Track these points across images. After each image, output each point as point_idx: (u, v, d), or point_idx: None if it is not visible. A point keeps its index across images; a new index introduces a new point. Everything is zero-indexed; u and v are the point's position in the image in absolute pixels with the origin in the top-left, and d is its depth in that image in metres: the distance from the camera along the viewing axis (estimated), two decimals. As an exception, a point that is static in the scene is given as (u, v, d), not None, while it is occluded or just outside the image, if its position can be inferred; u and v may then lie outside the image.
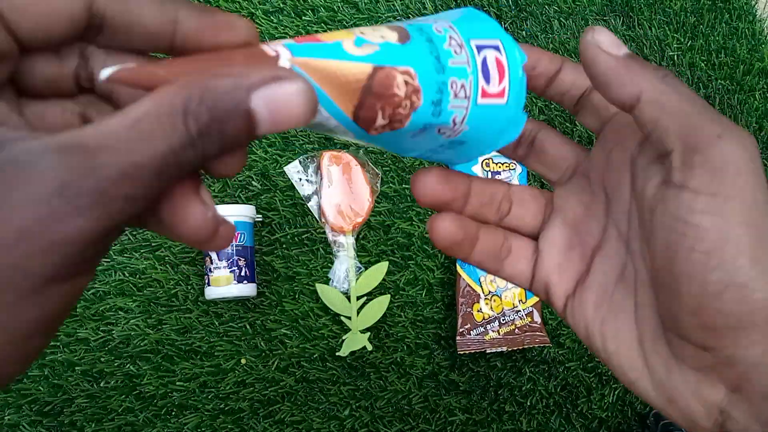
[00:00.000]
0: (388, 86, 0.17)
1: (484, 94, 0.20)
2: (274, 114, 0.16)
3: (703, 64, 0.80)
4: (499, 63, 0.20)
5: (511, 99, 0.21)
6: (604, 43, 0.21)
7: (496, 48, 0.20)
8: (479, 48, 0.20)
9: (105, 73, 0.16)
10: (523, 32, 0.79)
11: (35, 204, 0.13)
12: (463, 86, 0.19)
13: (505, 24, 0.79)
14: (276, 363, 0.69)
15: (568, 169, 0.25)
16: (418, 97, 0.18)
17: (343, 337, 0.69)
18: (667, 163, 0.20)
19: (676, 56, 0.80)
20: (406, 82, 0.17)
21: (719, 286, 0.19)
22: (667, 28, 0.81)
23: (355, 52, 0.17)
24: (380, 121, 0.18)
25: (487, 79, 0.20)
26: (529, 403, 0.70)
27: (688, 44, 0.81)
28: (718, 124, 0.20)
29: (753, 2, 0.84)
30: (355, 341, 0.69)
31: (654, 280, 0.22)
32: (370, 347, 0.69)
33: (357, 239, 0.72)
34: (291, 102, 0.16)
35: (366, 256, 0.72)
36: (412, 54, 0.18)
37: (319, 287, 0.70)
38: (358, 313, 0.70)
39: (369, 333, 0.69)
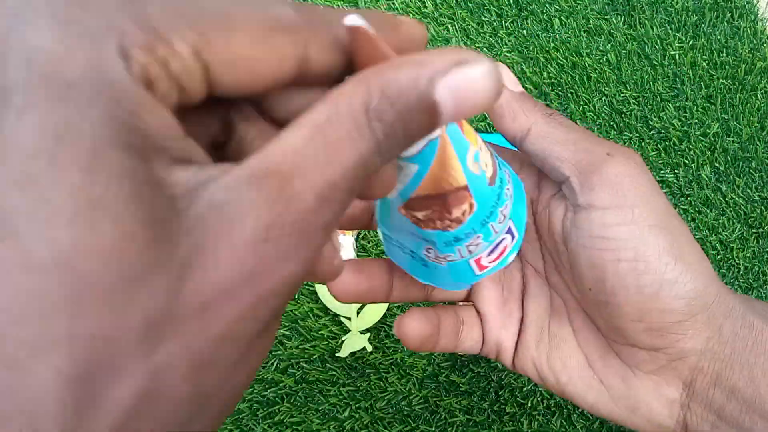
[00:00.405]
0: (455, 204, 0.18)
1: (479, 264, 0.22)
2: (458, 102, 0.13)
3: (704, 63, 0.80)
4: (503, 249, 0.22)
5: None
6: (505, 78, 0.22)
7: (510, 232, 0.22)
8: (507, 231, 0.22)
9: (353, 19, 0.13)
10: (524, 31, 0.79)
11: (241, 257, 0.11)
12: (477, 245, 0.21)
13: (506, 23, 0.79)
14: (275, 364, 0.68)
15: None
16: (457, 226, 0.19)
17: (343, 338, 0.69)
18: (566, 190, 0.22)
19: (677, 55, 0.80)
20: (464, 213, 0.19)
21: (654, 287, 0.20)
22: (668, 27, 0.81)
23: (468, 164, 0.18)
24: (422, 215, 0.19)
25: (489, 254, 0.22)
26: (530, 404, 0.70)
27: (690, 43, 0.80)
28: (605, 146, 0.21)
29: (755, 1, 0.83)
30: (354, 342, 0.68)
31: (586, 303, 0.23)
32: (370, 348, 0.68)
33: (357, 239, 0.72)
34: (477, 86, 0.14)
35: (366, 256, 0.71)
36: (485, 199, 0.20)
37: (319, 288, 0.70)
38: (357, 313, 0.69)
39: (369, 334, 0.69)
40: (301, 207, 0.12)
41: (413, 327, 0.24)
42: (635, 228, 0.20)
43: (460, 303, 0.27)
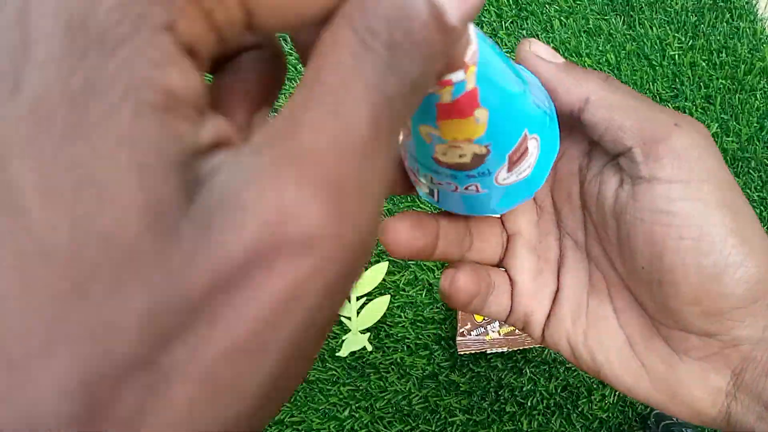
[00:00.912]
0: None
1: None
2: None
3: (704, 64, 0.80)
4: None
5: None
6: (542, 52, 0.21)
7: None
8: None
9: None
10: (524, 31, 0.79)
11: (252, 250, 0.10)
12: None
13: (505, 23, 0.79)
14: (275, 363, 0.69)
15: None
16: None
17: (343, 338, 0.69)
18: (626, 162, 0.20)
19: (677, 55, 0.80)
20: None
21: (716, 270, 0.19)
22: (668, 28, 0.81)
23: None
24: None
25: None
26: (529, 404, 0.70)
27: (689, 43, 0.81)
28: (670, 114, 0.20)
29: (754, 2, 0.84)
30: (355, 341, 0.68)
31: (634, 281, 0.22)
32: (370, 347, 0.68)
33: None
34: None
35: (366, 256, 0.72)
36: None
37: (319, 287, 0.70)
38: (358, 313, 0.70)
39: (369, 333, 0.69)
40: (316, 161, 0.10)
41: (464, 282, 0.22)
42: (701, 205, 0.19)
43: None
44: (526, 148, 0.19)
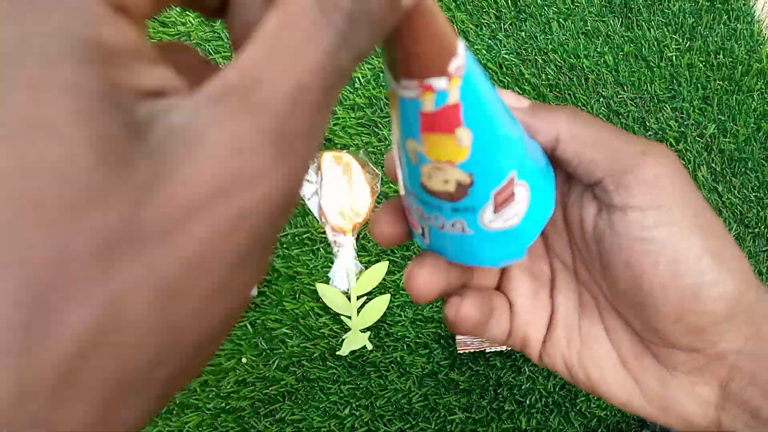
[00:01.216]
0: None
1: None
2: None
3: (701, 65, 0.80)
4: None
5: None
6: (507, 99, 0.21)
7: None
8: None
9: None
10: (523, 33, 0.80)
11: (209, 172, 0.11)
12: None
13: (504, 25, 0.80)
14: (276, 362, 0.69)
15: None
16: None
17: (344, 337, 0.69)
18: (600, 191, 0.21)
19: (674, 57, 0.80)
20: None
21: (694, 289, 0.20)
22: (665, 29, 0.81)
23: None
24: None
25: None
26: (528, 402, 0.70)
27: (687, 45, 0.81)
28: (637, 143, 0.20)
29: (751, 3, 0.84)
30: (355, 340, 0.69)
31: (620, 303, 0.22)
32: (370, 346, 0.69)
33: (357, 239, 0.73)
34: None
35: (366, 256, 0.72)
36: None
37: (320, 287, 0.70)
38: (358, 312, 0.70)
39: (369, 332, 0.70)
40: (273, 113, 0.11)
41: (468, 310, 0.23)
42: (675, 229, 0.20)
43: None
44: (513, 193, 0.19)
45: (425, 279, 0.22)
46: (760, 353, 0.20)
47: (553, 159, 0.22)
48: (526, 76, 0.78)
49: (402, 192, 0.21)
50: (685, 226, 0.20)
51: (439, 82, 0.16)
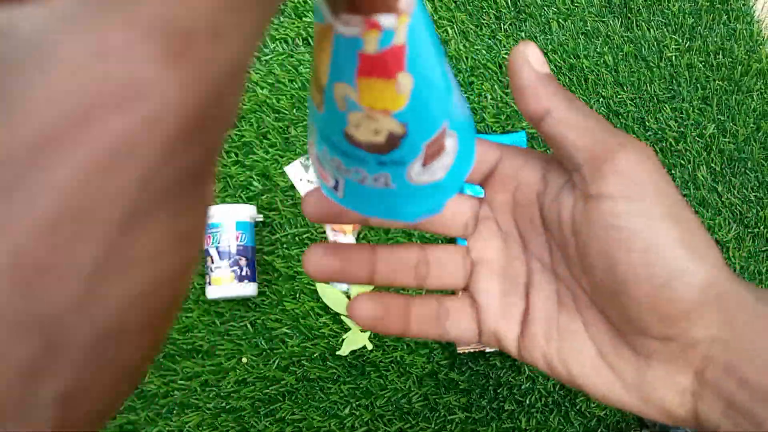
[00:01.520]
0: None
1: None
2: None
3: (701, 65, 0.81)
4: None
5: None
6: (531, 57, 0.22)
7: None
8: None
9: None
10: (522, 33, 0.80)
11: (67, 95, 0.08)
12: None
13: (504, 26, 0.80)
14: (277, 362, 0.69)
15: (469, 221, 0.26)
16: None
17: (344, 336, 0.69)
18: (578, 179, 0.22)
19: (674, 57, 0.81)
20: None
21: (665, 278, 0.20)
22: (665, 30, 0.81)
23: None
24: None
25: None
26: (528, 402, 0.70)
27: (687, 45, 0.81)
28: (618, 135, 0.21)
29: (751, 3, 0.84)
30: (355, 340, 0.69)
31: (596, 294, 0.23)
32: (370, 346, 0.69)
33: (357, 239, 0.73)
34: None
35: (366, 255, 0.72)
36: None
37: (320, 287, 0.70)
38: (358, 312, 0.70)
39: (369, 332, 0.70)
40: (152, 4, 0.08)
41: (362, 307, 0.24)
42: (647, 219, 0.20)
43: (459, 292, 0.27)
44: (443, 145, 0.18)
45: (318, 256, 0.23)
46: (734, 343, 0.21)
47: (539, 131, 0.23)
48: (526, 76, 0.78)
49: (312, 140, 0.19)
50: (657, 216, 0.20)
51: (387, 19, 0.14)
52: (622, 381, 0.23)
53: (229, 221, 0.67)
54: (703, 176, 0.77)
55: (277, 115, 0.75)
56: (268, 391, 0.68)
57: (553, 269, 0.25)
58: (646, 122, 0.78)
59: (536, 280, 0.25)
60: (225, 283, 0.66)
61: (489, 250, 0.26)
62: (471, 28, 0.79)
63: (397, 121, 0.16)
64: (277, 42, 0.77)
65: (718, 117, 0.79)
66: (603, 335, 0.24)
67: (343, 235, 0.72)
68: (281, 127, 0.74)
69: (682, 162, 0.78)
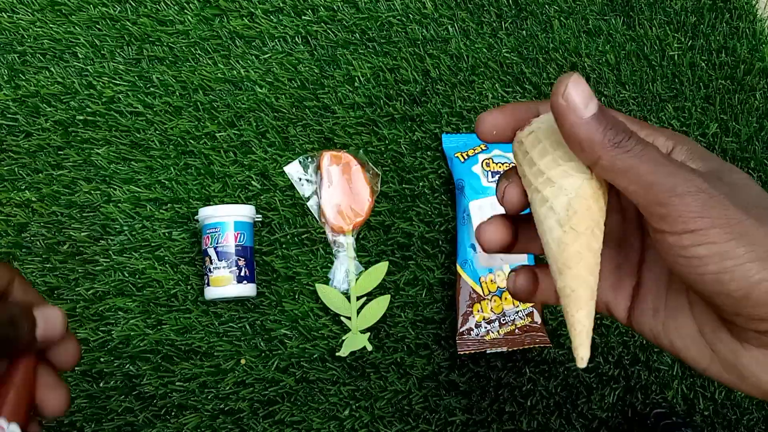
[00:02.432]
0: None
1: None
2: None
3: (703, 64, 0.80)
4: None
5: None
6: (573, 101, 0.22)
7: None
8: None
9: None
10: (524, 32, 0.79)
11: None
12: None
13: (505, 24, 0.79)
14: (276, 363, 0.69)
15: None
16: None
17: (343, 338, 0.69)
18: (641, 211, 0.23)
19: (676, 56, 0.80)
20: None
21: (744, 292, 0.21)
22: (667, 28, 0.81)
23: None
24: None
25: None
26: (529, 404, 0.70)
27: (689, 44, 0.81)
28: (672, 178, 0.21)
29: (754, 2, 0.84)
30: (355, 341, 0.69)
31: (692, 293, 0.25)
32: (370, 347, 0.69)
33: (357, 239, 0.72)
34: None
35: (366, 256, 0.72)
36: None
37: (319, 287, 0.70)
38: (357, 313, 0.70)
39: (369, 333, 0.69)
40: None
41: (521, 282, 0.28)
42: (713, 246, 0.21)
43: None
44: None
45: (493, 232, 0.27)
46: None
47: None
48: (527, 75, 0.78)
49: None
50: (723, 240, 0.21)
51: None
52: (720, 360, 0.25)
53: (228, 221, 0.66)
54: (705, 176, 0.77)
55: (276, 114, 0.74)
56: (267, 392, 0.68)
57: None
58: (649, 121, 0.78)
59: (650, 258, 0.27)
60: (223, 283, 0.65)
61: (612, 224, 0.27)
62: (472, 27, 0.79)
63: None
64: (276, 40, 0.76)
65: (721, 116, 0.79)
66: (705, 316, 0.25)
67: (343, 235, 0.71)
68: (280, 127, 0.74)
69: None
